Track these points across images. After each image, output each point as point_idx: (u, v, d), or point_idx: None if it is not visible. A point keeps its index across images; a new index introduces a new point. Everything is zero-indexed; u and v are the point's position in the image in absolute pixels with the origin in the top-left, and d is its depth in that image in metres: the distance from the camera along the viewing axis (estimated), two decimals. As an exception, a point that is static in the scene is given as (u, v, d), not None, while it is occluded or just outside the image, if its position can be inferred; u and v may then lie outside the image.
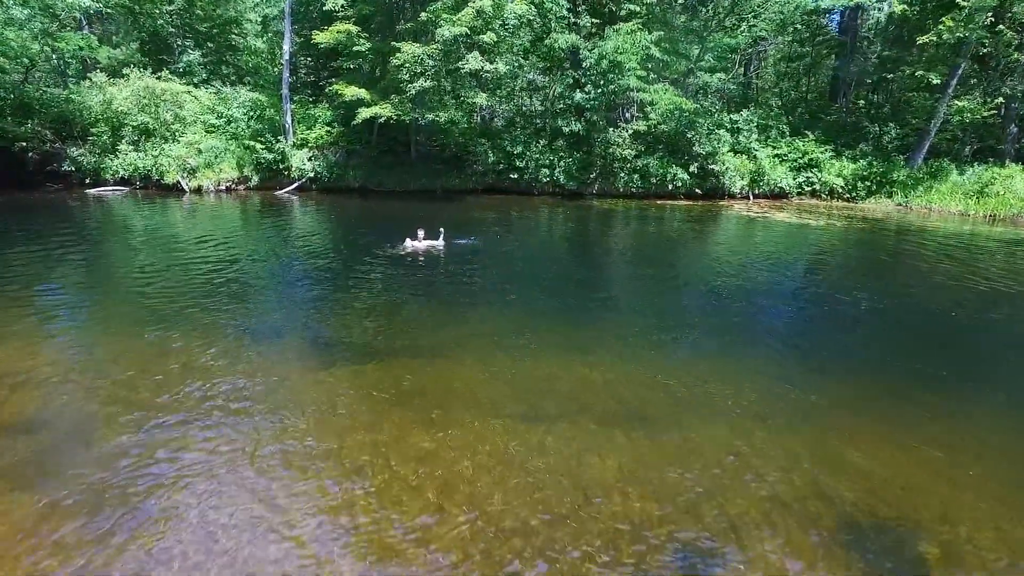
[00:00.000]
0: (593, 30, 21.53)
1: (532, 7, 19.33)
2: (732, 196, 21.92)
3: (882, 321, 8.90)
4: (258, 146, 20.04)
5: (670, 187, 21.16)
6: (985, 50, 20.51)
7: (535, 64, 23.85)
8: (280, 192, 20.14)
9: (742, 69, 30.96)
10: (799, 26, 26.06)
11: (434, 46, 17.39)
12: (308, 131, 20.96)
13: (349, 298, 8.82)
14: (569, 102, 21.74)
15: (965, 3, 18.35)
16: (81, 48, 20.78)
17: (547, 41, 20.67)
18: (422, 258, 11.46)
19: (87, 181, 19.61)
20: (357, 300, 8.72)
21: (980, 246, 14.80)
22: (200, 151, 19.88)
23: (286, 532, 3.87)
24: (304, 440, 4.93)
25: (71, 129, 20.07)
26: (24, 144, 19.28)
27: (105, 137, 19.61)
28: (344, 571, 3.59)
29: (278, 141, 20.11)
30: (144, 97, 19.63)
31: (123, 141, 19.67)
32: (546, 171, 20.99)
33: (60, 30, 21.27)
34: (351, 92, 18.28)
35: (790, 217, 18.35)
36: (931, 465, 4.89)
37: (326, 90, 21.36)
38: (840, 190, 21.84)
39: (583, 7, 21.59)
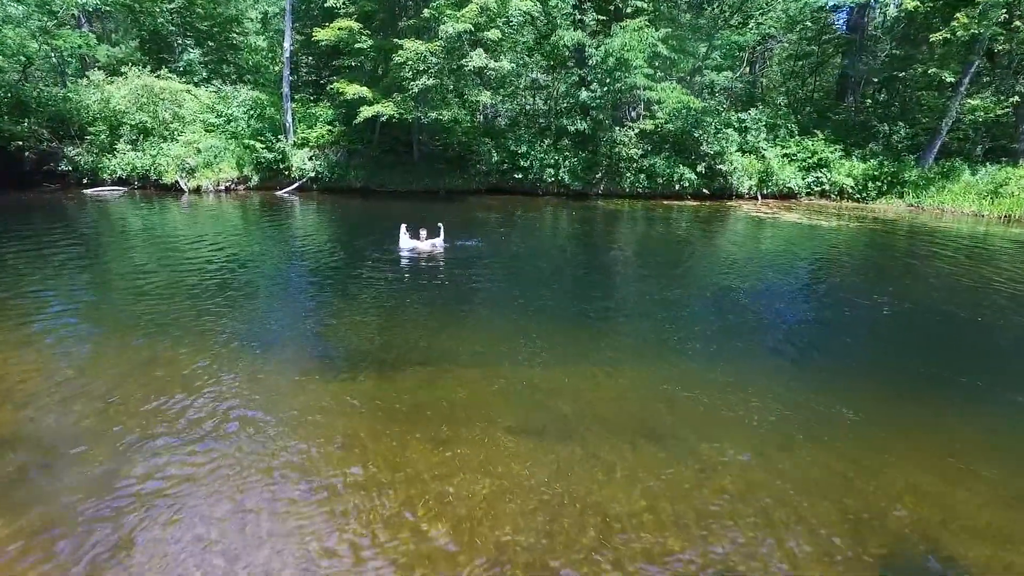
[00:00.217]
0: (598, 28, 21.16)
1: (537, 3, 18.97)
2: (740, 196, 21.53)
3: (906, 326, 8.52)
4: (258, 145, 19.72)
5: (677, 187, 20.78)
6: (1001, 47, 20.09)
7: (538, 62, 23.50)
8: (280, 192, 19.81)
9: (747, 68, 30.58)
10: (809, 23, 25.65)
11: (437, 43, 17.04)
12: (309, 130, 20.62)
13: (349, 302, 8.48)
14: (574, 101, 21.39)
15: (980, -1, 17.96)
16: (79, 46, 20.50)
17: (552, 38, 20.31)
18: (424, 259, 11.12)
19: (84, 181, 19.32)
20: (357, 304, 8.37)
21: (999, 247, 14.40)
22: (199, 150, 19.57)
23: (276, 566, 3.52)
24: (299, 461, 4.58)
25: (68, 128, 19.77)
26: (21, 143, 19.00)
27: (103, 136, 19.31)
28: (342, 613, 3.24)
29: (278, 140, 19.79)
30: (142, 95, 19.33)
31: (121, 140, 19.36)
32: (551, 171, 20.62)
33: (58, 28, 20.99)
34: (353, 90, 17.95)
35: (801, 218, 17.96)
36: (980, 490, 4.51)
37: (327, 88, 21.03)
38: (850, 190, 21.42)
39: (589, 4, 21.22)
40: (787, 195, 21.84)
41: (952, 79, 19.57)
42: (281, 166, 19.93)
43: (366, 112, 17.77)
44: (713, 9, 24.83)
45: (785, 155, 21.93)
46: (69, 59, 24.17)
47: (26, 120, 19.04)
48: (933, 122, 22.32)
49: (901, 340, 8.02)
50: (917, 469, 4.74)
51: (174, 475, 4.33)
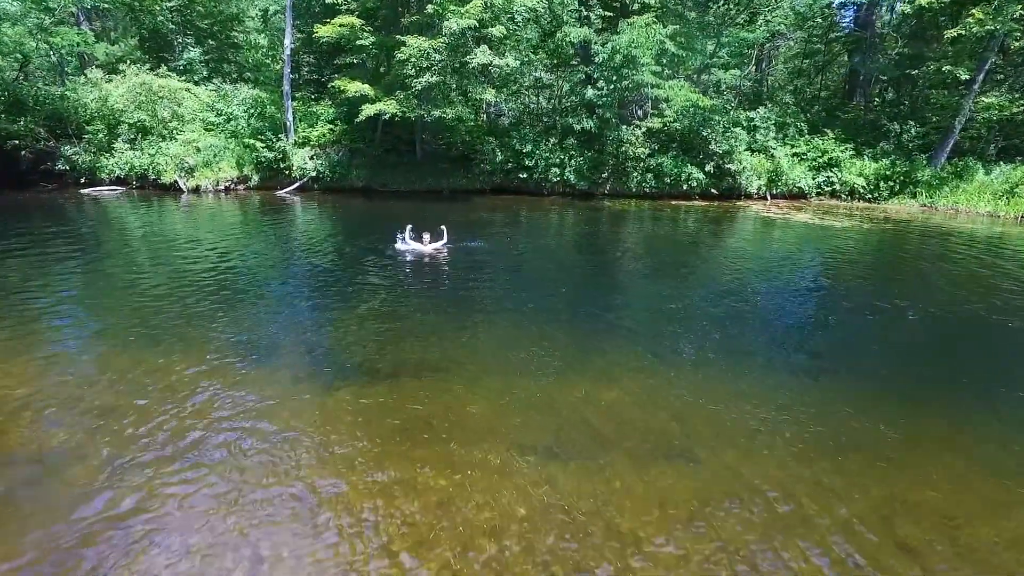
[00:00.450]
0: (603, 25, 20.79)
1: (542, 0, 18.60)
2: (749, 196, 21.12)
3: (933, 332, 8.14)
4: (258, 144, 19.37)
5: (684, 187, 20.37)
6: (1016, 43, 19.65)
7: (542, 61, 23.12)
8: (281, 192, 19.47)
9: (753, 67, 30.17)
10: (819, 19, 25.23)
11: (441, 39, 16.68)
12: (310, 129, 20.28)
13: (349, 307, 8.12)
14: (579, 99, 21.00)
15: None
16: (76, 44, 20.19)
17: (558, 35, 19.93)
18: (427, 261, 10.75)
19: (82, 181, 19.01)
20: (359, 310, 8.01)
21: (1019, 248, 13.97)
22: (198, 150, 19.25)
23: (270, 610, 3.16)
24: (298, 482, 4.21)
25: (66, 127, 19.46)
26: (17, 142, 18.69)
27: (101, 135, 19.00)
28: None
29: (279, 139, 19.44)
30: (141, 94, 19.00)
31: (119, 139, 19.04)
32: (556, 170, 20.23)
33: (56, 26, 20.68)
34: (354, 88, 17.59)
35: (812, 218, 17.55)
36: (1038, 515, 4.13)
37: (328, 86, 20.67)
38: (861, 190, 20.99)
39: (595, 0, 20.82)
40: (797, 195, 21.42)
41: (967, 76, 19.15)
42: (282, 165, 19.58)
43: (368, 110, 17.42)
44: (720, 6, 24.45)
45: (795, 154, 21.52)
46: (69, 58, 23.87)
47: (23, 119, 18.72)
48: (945, 121, 21.87)
49: (931, 347, 7.64)
50: (967, 495, 4.36)
51: (159, 498, 3.98)
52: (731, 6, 24.66)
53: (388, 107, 17.40)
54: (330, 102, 21.31)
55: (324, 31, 17.81)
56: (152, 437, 4.67)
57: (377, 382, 5.75)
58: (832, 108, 26.07)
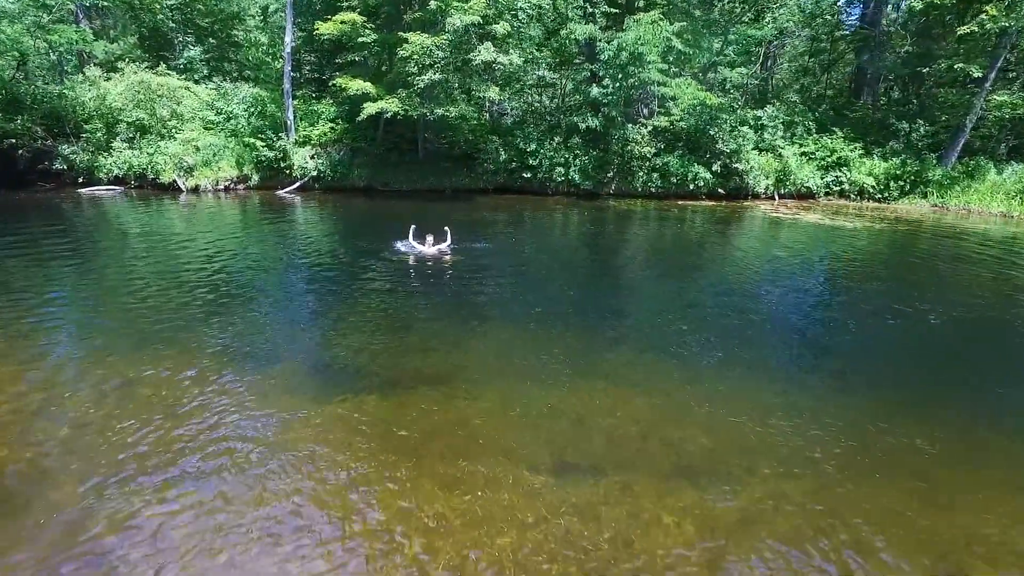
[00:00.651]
0: (608, 23, 20.45)
1: (546, -5, 18.28)
2: (756, 196, 20.76)
3: (959, 337, 7.80)
4: (258, 144, 19.04)
5: (691, 187, 20.01)
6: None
7: (546, 59, 22.77)
8: (281, 192, 19.16)
9: (758, 66, 29.80)
10: (828, 16, 24.86)
11: (444, 36, 16.36)
12: (311, 128, 19.96)
13: (351, 311, 7.81)
14: (584, 98, 20.65)
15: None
16: (74, 41, 19.88)
17: (563, 32, 19.59)
18: (431, 263, 10.45)
19: (80, 180, 18.71)
20: (361, 314, 7.70)
21: (1036, 250, 13.63)
22: (198, 149, 18.93)
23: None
24: (291, 506, 3.90)
25: (64, 126, 19.16)
26: (14, 141, 18.40)
27: (99, 134, 18.69)
28: None
29: (279, 138, 19.11)
30: (139, 92, 18.71)
31: (117, 138, 18.74)
32: (560, 170, 19.89)
33: (55, 24, 20.40)
34: (356, 86, 17.28)
35: (822, 218, 17.21)
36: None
37: (330, 84, 20.36)
38: (871, 190, 20.63)
39: (600, -3, 20.46)
40: (805, 195, 21.06)
41: (979, 74, 18.78)
42: (282, 165, 19.25)
43: (370, 108, 17.09)
44: (725, 3, 24.10)
45: (803, 154, 21.16)
46: (68, 56, 23.61)
47: (19, 117, 18.43)
48: (955, 119, 21.52)
49: (959, 354, 7.30)
50: (1010, 517, 4.04)
51: (138, 523, 3.67)
52: (737, 3, 24.33)
53: (390, 105, 17.08)
54: (331, 100, 20.99)
55: (325, 28, 17.50)
56: (133, 453, 4.37)
57: (378, 392, 5.44)
58: (839, 107, 25.70)
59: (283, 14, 20.93)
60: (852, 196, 20.97)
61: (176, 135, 19.03)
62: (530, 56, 19.73)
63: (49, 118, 19.16)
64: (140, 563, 3.36)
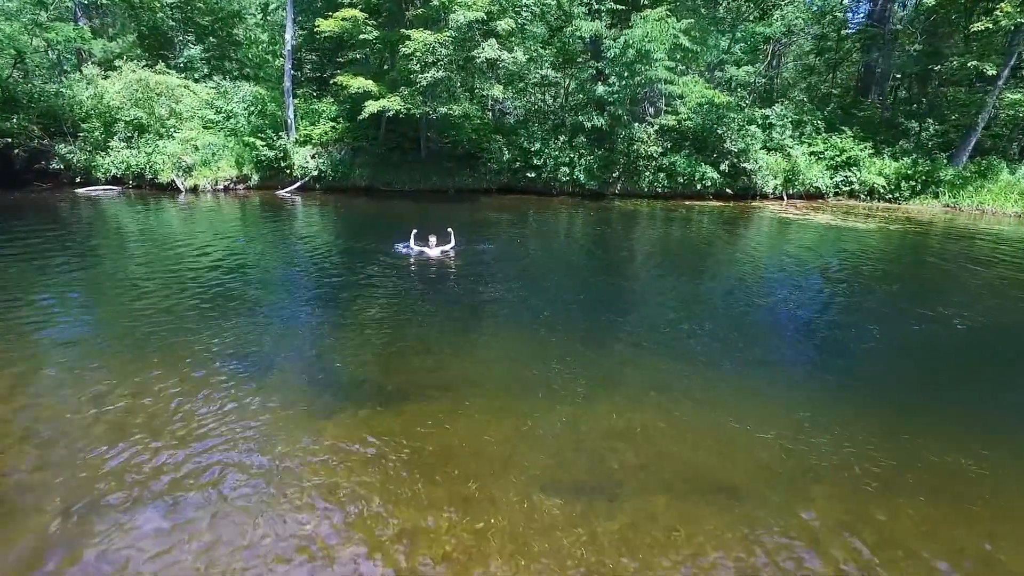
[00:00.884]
0: (613, 21, 20.11)
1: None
2: (764, 196, 20.41)
3: (990, 345, 7.43)
4: (258, 143, 18.74)
5: (698, 187, 19.67)
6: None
7: (548, 58, 22.43)
8: (281, 192, 18.85)
9: (764, 65, 29.44)
10: (838, 13, 24.50)
11: (447, 33, 16.03)
12: (311, 127, 19.65)
13: (351, 318, 7.48)
14: (589, 96, 20.31)
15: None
16: (72, 39, 19.58)
17: (568, 29, 19.24)
18: (434, 266, 10.11)
19: (77, 180, 18.43)
20: (361, 320, 7.37)
21: (1056, 252, 13.25)
22: (197, 148, 18.64)
23: None
24: (288, 532, 3.57)
25: (61, 125, 18.88)
26: (10, 140, 18.12)
27: (96, 133, 18.40)
28: None
29: (279, 138, 18.80)
30: (137, 90, 18.41)
31: (115, 137, 18.45)
32: (565, 169, 19.55)
33: (52, 22, 20.13)
34: (357, 84, 16.96)
35: (833, 219, 16.85)
36: None
37: (331, 82, 20.04)
38: (881, 190, 20.26)
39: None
40: (814, 195, 20.71)
41: (993, 71, 18.39)
42: (282, 164, 18.93)
43: (371, 107, 16.76)
44: (731, 1, 23.75)
45: (812, 153, 20.80)
46: (68, 55, 23.34)
47: (15, 116, 18.14)
48: (967, 118, 21.16)
49: (992, 362, 6.94)
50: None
51: (117, 556, 3.34)
52: (743, 1, 23.98)
53: (392, 104, 16.76)
54: (332, 99, 20.68)
55: (326, 25, 17.18)
56: (107, 476, 4.04)
57: (381, 405, 5.11)
58: (847, 106, 25.35)
59: (283, 12, 20.62)
60: (862, 196, 20.61)
61: (175, 134, 18.74)
62: (535, 54, 19.37)
63: (46, 117, 18.90)
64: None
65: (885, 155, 20.86)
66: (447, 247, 10.75)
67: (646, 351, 6.67)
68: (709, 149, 19.92)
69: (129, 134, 18.64)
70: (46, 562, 3.29)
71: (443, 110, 17.54)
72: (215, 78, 22.31)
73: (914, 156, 20.47)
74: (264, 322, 7.16)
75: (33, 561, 3.30)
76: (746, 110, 20.70)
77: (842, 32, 26.47)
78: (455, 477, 4.14)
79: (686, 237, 14.86)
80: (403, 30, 16.54)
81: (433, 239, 10.63)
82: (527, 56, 17.97)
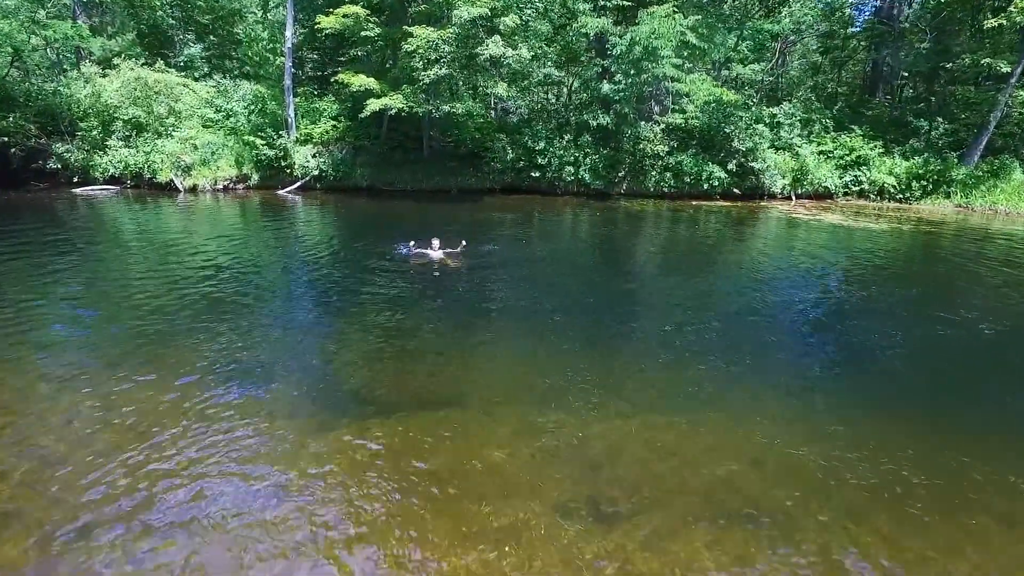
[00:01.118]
0: (619, 18, 19.79)
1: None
2: (772, 196, 20.06)
3: (1021, 350, 7.11)
4: (258, 142, 18.45)
5: (705, 186, 19.32)
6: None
7: (552, 57, 22.09)
8: (282, 192, 18.56)
9: (772, 62, 29.11)
10: (848, 10, 24.15)
11: (450, 30, 15.72)
12: (312, 126, 19.36)
13: (353, 323, 7.17)
14: (594, 95, 19.98)
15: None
16: (69, 37, 19.29)
17: (573, 26, 18.92)
18: (437, 269, 9.80)
19: (75, 180, 18.15)
20: (364, 326, 7.07)
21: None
22: (196, 147, 18.34)
23: None
24: (283, 561, 3.25)
25: (58, 124, 18.60)
26: (7, 139, 17.83)
27: (94, 132, 18.13)
28: None
29: (280, 137, 18.50)
30: (136, 89, 18.12)
31: (113, 136, 18.16)
32: (570, 169, 19.22)
33: (51, 19, 19.85)
34: (359, 82, 16.65)
35: (844, 219, 16.51)
36: None
37: (331, 80, 19.75)
38: (892, 190, 19.90)
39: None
40: (822, 195, 20.36)
41: (1007, 69, 18.03)
42: (283, 164, 18.64)
43: (373, 105, 16.46)
44: (737, -2, 23.46)
45: (821, 152, 20.44)
46: (67, 54, 23.08)
47: (12, 115, 17.86)
48: (978, 117, 20.79)
49: None
50: None
51: (100, 593, 3.03)
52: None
53: (394, 102, 16.46)
54: (333, 98, 20.38)
55: (327, 22, 16.88)
56: (96, 497, 3.74)
57: (385, 419, 4.80)
58: (854, 105, 25.00)
59: (284, 9, 20.33)
60: (872, 196, 20.24)
61: (174, 133, 18.45)
62: (539, 51, 19.04)
63: (43, 115, 18.62)
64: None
65: (895, 154, 20.50)
66: (456, 250, 10.43)
67: (662, 358, 6.36)
68: (716, 148, 19.58)
69: (127, 133, 18.35)
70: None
71: (446, 108, 17.24)
72: (215, 77, 22.03)
73: (925, 155, 20.11)
74: (261, 328, 6.85)
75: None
76: (753, 108, 20.37)
77: (848, 30, 26.14)
78: (466, 500, 3.82)
79: (695, 238, 14.53)
80: (405, 27, 16.25)
81: (436, 241, 10.32)
82: (532, 53, 17.62)
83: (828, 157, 20.40)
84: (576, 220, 16.40)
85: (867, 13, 26.95)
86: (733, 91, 20.29)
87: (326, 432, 4.56)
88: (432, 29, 15.88)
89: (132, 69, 18.41)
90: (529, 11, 19.00)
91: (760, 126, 19.54)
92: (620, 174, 19.74)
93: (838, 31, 25.04)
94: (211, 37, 24.40)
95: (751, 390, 5.62)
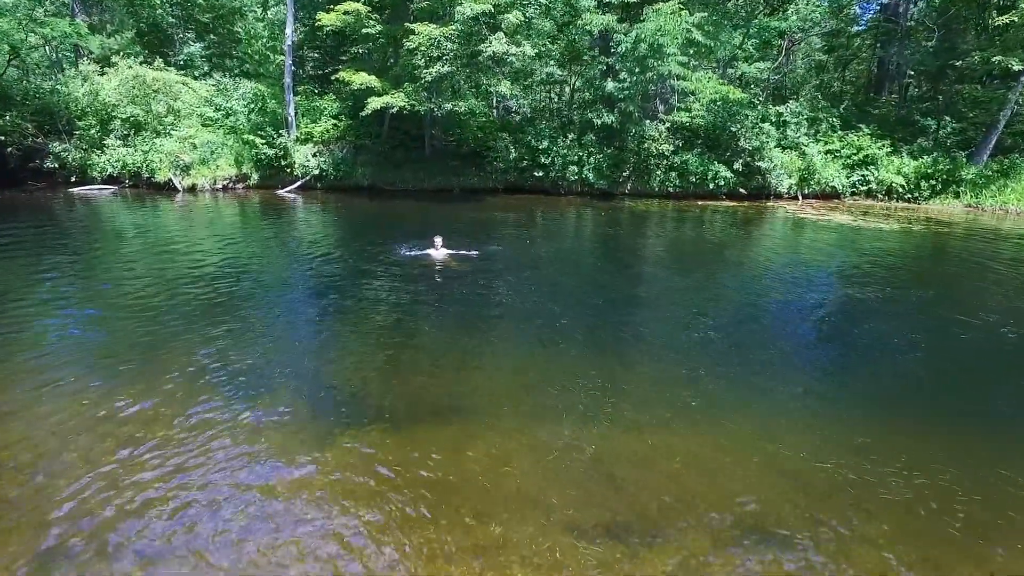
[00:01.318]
0: (623, 15, 19.53)
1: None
2: (779, 196, 19.80)
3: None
4: (258, 141, 18.23)
5: (711, 186, 19.06)
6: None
7: (555, 54, 21.84)
8: (282, 191, 18.33)
9: (779, 60, 28.82)
10: (856, 7, 23.89)
11: (453, 27, 15.47)
12: (313, 125, 19.12)
13: (353, 327, 6.92)
14: (598, 93, 19.72)
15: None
16: (67, 35, 19.06)
17: (578, 23, 18.65)
18: (439, 269, 9.55)
19: (72, 179, 17.93)
20: (365, 330, 6.81)
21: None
22: (195, 146, 18.13)
23: None
24: (275, 593, 3.00)
25: (55, 122, 18.37)
26: (3, 138, 17.62)
27: (92, 131, 17.91)
28: None
29: (280, 135, 18.28)
30: (134, 87, 17.89)
31: (111, 135, 17.94)
32: (574, 168, 18.97)
33: (49, 17, 19.62)
34: (360, 80, 16.42)
35: (853, 220, 16.23)
36: None
37: (332, 78, 19.51)
38: (900, 189, 19.62)
39: (615, -14, 19.54)
40: (829, 195, 20.09)
41: (1019, 67, 17.75)
42: (283, 163, 18.41)
43: (374, 103, 16.22)
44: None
45: (828, 151, 20.17)
46: (67, 53, 22.87)
47: (9, 113, 17.64)
48: (987, 116, 20.52)
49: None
50: None
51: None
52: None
53: (396, 100, 16.22)
54: (334, 96, 20.15)
55: (328, 19, 16.66)
56: (75, 516, 3.47)
57: (386, 430, 4.54)
58: (861, 104, 24.72)
59: (284, 7, 20.10)
60: (879, 196, 19.97)
61: (172, 132, 18.23)
62: (542, 48, 18.78)
63: (40, 114, 18.42)
64: None
65: (903, 153, 20.22)
66: (455, 251, 10.17)
67: (675, 364, 6.09)
68: (722, 147, 19.33)
69: (125, 132, 18.14)
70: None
71: (448, 106, 16.99)
72: (215, 75, 21.81)
73: (934, 155, 19.84)
74: (258, 332, 6.59)
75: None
76: (759, 107, 20.11)
77: (853, 28, 25.88)
78: (471, 517, 3.56)
79: (703, 238, 14.26)
80: (407, 24, 16.01)
81: (439, 240, 10.07)
82: (535, 51, 17.36)
83: (835, 156, 20.14)
84: (580, 220, 16.14)
85: (872, 11, 26.74)
86: (739, 89, 20.03)
87: (322, 442, 4.30)
88: (434, 26, 15.65)
89: (130, 67, 18.19)
90: (532, 9, 18.74)
91: (766, 125, 19.29)
92: (624, 174, 19.48)
93: (845, 28, 24.76)
94: (211, 36, 24.20)
95: (773, 398, 5.35)
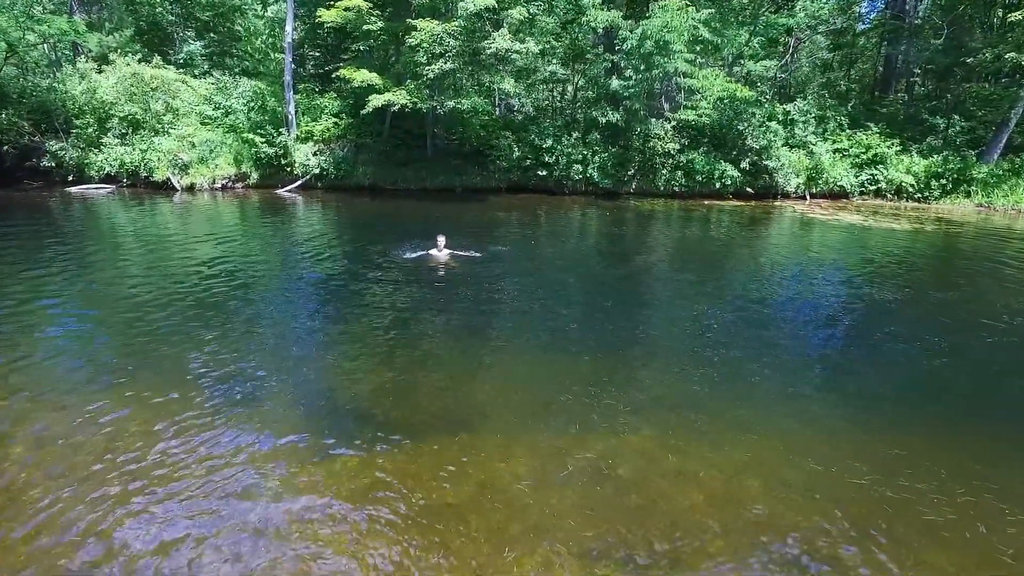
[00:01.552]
0: (628, 12, 19.25)
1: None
2: (786, 196, 19.49)
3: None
4: (258, 140, 17.96)
5: (717, 185, 18.75)
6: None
7: (557, 54, 21.56)
8: (282, 191, 18.06)
9: (785, 58, 28.53)
10: (864, 4, 23.59)
11: (455, 23, 15.20)
12: (313, 123, 18.85)
13: (355, 332, 6.64)
14: (602, 91, 19.43)
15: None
16: (65, 32, 18.82)
17: (582, 20, 18.37)
18: (441, 271, 9.27)
19: (70, 178, 17.68)
20: (366, 336, 6.53)
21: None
22: (194, 145, 17.86)
23: None
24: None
25: (52, 121, 18.12)
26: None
27: (89, 130, 17.66)
28: None
29: (280, 134, 18.02)
30: (132, 85, 17.64)
31: (109, 134, 17.69)
32: (578, 167, 18.68)
33: (46, 14, 19.40)
34: (361, 77, 16.14)
35: (863, 219, 15.93)
36: None
37: (333, 76, 19.25)
38: (910, 189, 19.29)
39: (620, -17, 19.30)
40: (837, 194, 19.76)
41: (1032, 64, 17.45)
42: (283, 162, 18.14)
43: (376, 101, 15.95)
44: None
45: (836, 150, 19.85)
46: (66, 52, 22.64)
47: (5, 111, 17.40)
48: (998, 114, 20.19)
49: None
50: None
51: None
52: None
53: (397, 98, 15.94)
54: (335, 94, 19.89)
55: (328, 16, 16.40)
56: (61, 533, 3.20)
57: (389, 441, 4.26)
58: (868, 102, 24.40)
59: (284, 4, 19.84)
60: (889, 195, 19.64)
61: (171, 131, 17.97)
62: (546, 46, 18.51)
63: (37, 112, 18.17)
64: None
65: (913, 152, 19.90)
66: (458, 252, 9.90)
67: (692, 372, 5.80)
68: (728, 146, 19.02)
69: (123, 130, 17.89)
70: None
71: (451, 104, 16.71)
72: (215, 74, 21.56)
73: (944, 154, 19.51)
74: (256, 338, 6.32)
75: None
76: (766, 105, 19.81)
77: (859, 26, 25.57)
78: (482, 539, 3.29)
79: (712, 239, 13.96)
80: (409, 20, 15.73)
81: (442, 239, 9.79)
82: (539, 47, 17.08)
83: (843, 155, 19.81)
84: (585, 220, 15.86)
85: (878, 9, 26.45)
86: (746, 87, 19.73)
87: (323, 458, 4.03)
88: (437, 22, 15.37)
89: (128, 65, 17.94)
90: (536, 5, 18.47)
91: (774, 123, 18.98)
92: (630, 173, 19.18)
93: (851, 26, 24.45)
94: (211, 34, 23.96)
95: (796, 407, 5.07)
